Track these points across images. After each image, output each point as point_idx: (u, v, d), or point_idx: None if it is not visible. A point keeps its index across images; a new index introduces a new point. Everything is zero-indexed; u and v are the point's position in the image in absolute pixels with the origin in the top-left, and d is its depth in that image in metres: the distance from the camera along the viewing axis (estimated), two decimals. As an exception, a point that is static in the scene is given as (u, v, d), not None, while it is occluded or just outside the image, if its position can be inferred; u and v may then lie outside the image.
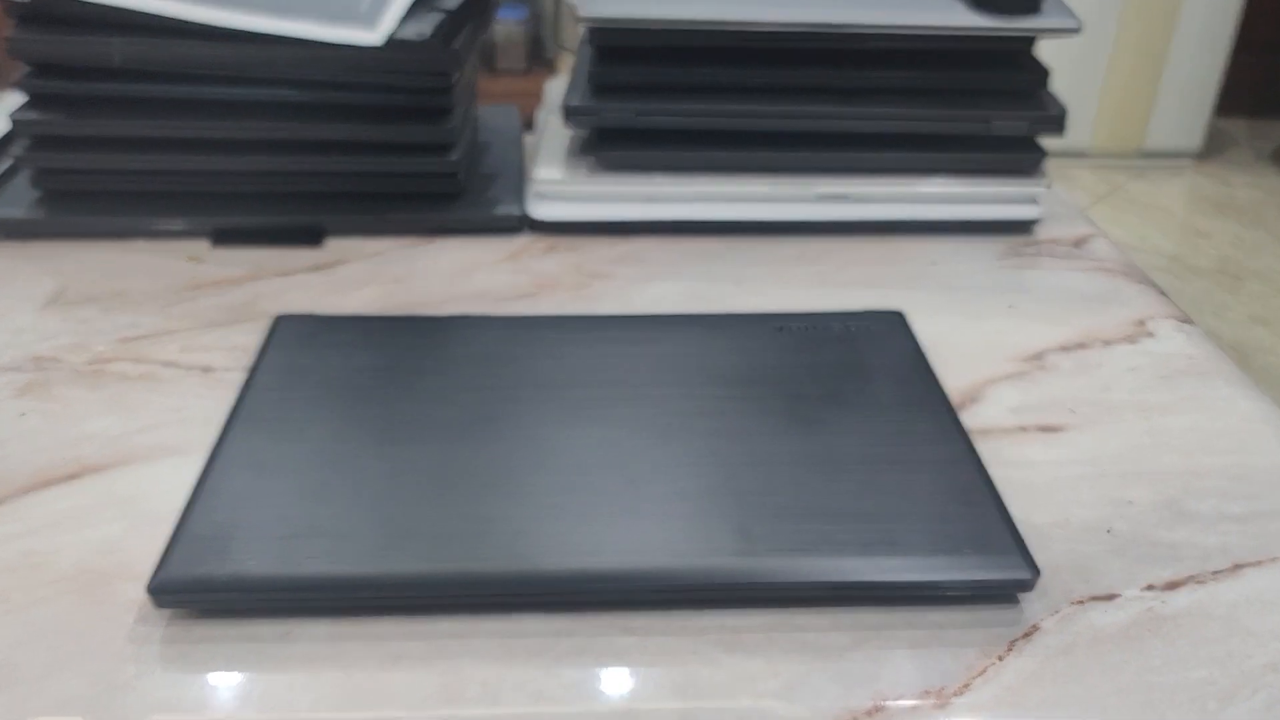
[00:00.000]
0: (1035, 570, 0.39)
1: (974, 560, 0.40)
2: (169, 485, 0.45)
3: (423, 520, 0.41)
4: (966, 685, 0.37)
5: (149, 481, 0.45)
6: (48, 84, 0.62)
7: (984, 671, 0.37)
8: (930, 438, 0.46)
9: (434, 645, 0.38)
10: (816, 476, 0.44)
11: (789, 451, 0.45)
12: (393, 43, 0.58)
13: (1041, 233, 0.69)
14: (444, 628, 0.39)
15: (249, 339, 0.55)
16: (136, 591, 0.39)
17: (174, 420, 0.49)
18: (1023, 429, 0.50)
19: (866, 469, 0.44)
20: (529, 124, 0.79)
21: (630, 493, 0.43)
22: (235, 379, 0.52)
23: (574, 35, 2.17)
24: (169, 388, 0.51)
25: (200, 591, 0.38)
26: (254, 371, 0.49)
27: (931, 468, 0.44)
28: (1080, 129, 2.35)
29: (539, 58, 2.35)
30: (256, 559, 0.39)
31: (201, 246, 0.64)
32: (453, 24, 0.62)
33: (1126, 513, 0.45)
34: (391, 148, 0.64)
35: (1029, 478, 0.47)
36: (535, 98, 0.82)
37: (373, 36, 0.57)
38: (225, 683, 0.36)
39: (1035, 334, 0.58)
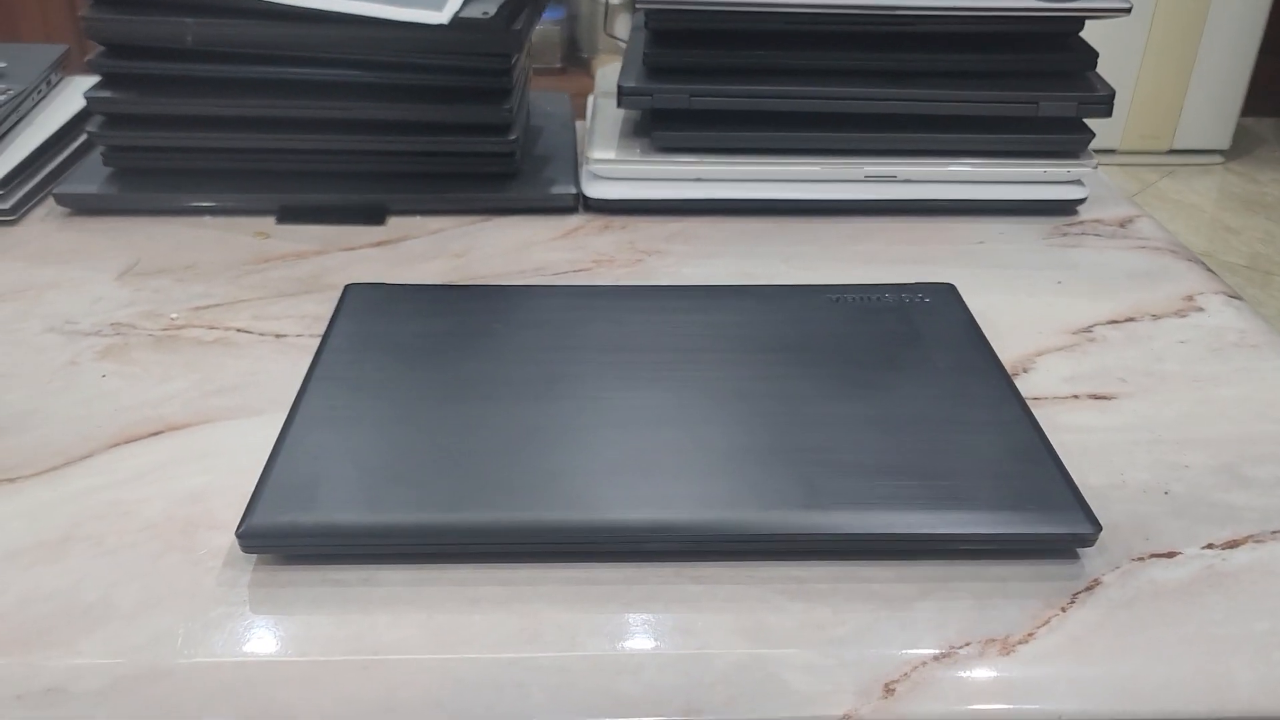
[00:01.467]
0: (1097, 525, 0.40)
1: (1036, 515, 0.41)
2: (248, 442, 0.46)
3: (497, 472, 0.42)
4: (1031, 634, 0.38)
5: (229, 438, 0.47)
6: (121, 64, 0.64)
7: (1048, 622, 0.38)
8: (987, 401, 0.47)
9: (511, 590, 0.39)
10: (877, 436, 0.45)
11: (849, 413, 0.46)
12: (458, 22, 0.59)
13: (1086, 214, 0.70)
14: (520, 574, 0.40)
15: (318, 309, 0.57)
16: (223, 538, 0.41)
17: (249, 383, 0.51)
18: (1075, 397, 0.51)
19: (926, 430, 0.45)
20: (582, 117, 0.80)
21: (696, 449, 0.44)
22: (307, 344, 0.53)
23: (608, 39, 2.18)
24: (243, 352, 0.53)
25: (286, 537, 0.40)
26: (328, 335, 0.51)
27: (990, 429, 0.45)
28: (1111, 128, 2.35)
29: (574, 58, 2.37)
30: (340, 507, 0.40)
31: (268, 223, 0.66)
32: (514, 5, 0.63)
33: (1183, 476, 0.46)
34: (452, 128, 0.66)
35: (1084, 442, 0.48)
36: (572, 97, 0.83)
37: (439, 16, 0.59)
38: (310, 624, 0.38)
39: (1084, 308, 0.59)
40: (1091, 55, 0.68)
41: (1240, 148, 2.50)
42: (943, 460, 0.43)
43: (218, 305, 0.57)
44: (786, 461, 0.43)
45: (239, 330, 0.55)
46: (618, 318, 0.53)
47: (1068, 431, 0.48)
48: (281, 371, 0.51)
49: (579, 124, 0.79)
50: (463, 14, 0.59)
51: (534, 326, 0.52)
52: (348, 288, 0.55)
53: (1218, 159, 2.44)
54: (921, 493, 0.42)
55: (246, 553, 0.40)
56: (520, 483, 0.42)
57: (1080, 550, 0.41)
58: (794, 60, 0.67)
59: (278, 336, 0.54)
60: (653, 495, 0.42)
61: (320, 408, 0.46)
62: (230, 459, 0.45)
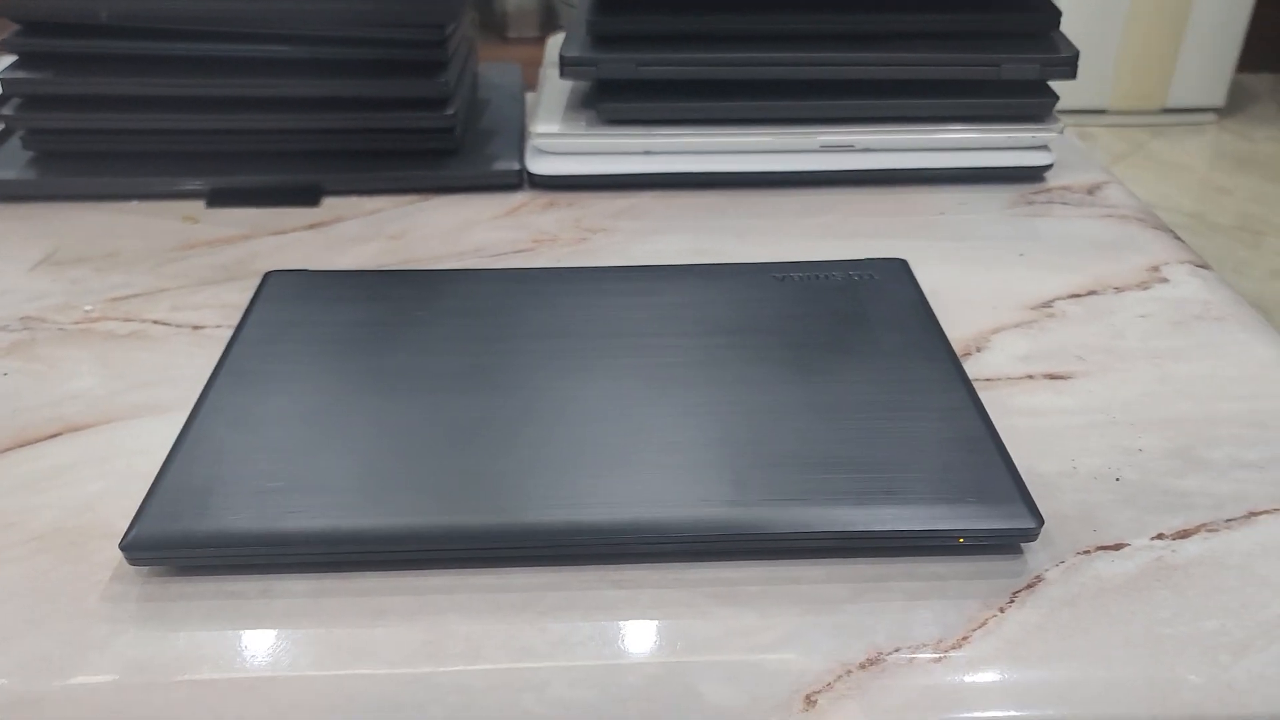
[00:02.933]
0: (1039, 519, 0.38)
1: (975, 509, 0.38)
2: (152, 443, 0.44)
3: (408, 473, 0.40)
4: (965, 638, 0.36)
5: (132, 440, 0.44)
6: (36, 42, 0.61)
7: (984, 624, 0.36)
8: (931, 386, 0.45)
9: (419, 600, 0.37)
10: (814, 425, 0.42)
11: (787, 400, 0.44)
12: (381, -7, 0.56)
13: (1054, 180, 0.67)
14: (429, 583, 0.38)
15: (242, 297, 0.54)
16: (113, 550, 0.39)
17: (161, 379, 0.48)
18: (1030, 377, 0.49)
19: (866, 417, 0.43)
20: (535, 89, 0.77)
21: (623, 444, 0.41)
22: (226, 336, 0.51)
23: (569, 9, 2.14)
24: (157, 346, 0.50)
25: (176, 547, 0.37)
26: (241, 326, 0.48)
27: (932, 415, 0.43)
28: (1100, 86, 2.30)
29: (552, 26, 2.33)
30: (236, 514, 0.38)
31: (196, 207, 0.63)
32: (445, -26, 0.60)
33: (1136, 461, 0.43)
34: (387, 103, 0.63)
35: (1035, 426, 0.45)
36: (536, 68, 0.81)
37: (361, -14, 0.56)
38: (203, 640, 0.36)
39: (1045, 282, 0.56)
40: (1054, 14, 0.65)
41: (1235, 104, 2.45)
42: (880, 451, 0.41)
43: (136, 296, 0.54)
44: (718, 454, 0.41)
45: (155, 322, 0.52)
46: (552, 302, 0.51)
47: (1020, 415, 0.46)
48: (196, 366, 0.49)
49: (530, 95, 0.76)
50: (386, -16, 0.56)
51: (462, 314, 0.49)
52: (267, 275, 0.52)
53: (1211, 117, 2.40)
54: (856, 486, 0.39)
55: (133, 565, 0.38)
56: (432, 483, 0.40)
57: (1024, 545, 0.39)
58: (745, 25, 0.64)
59: (195, 328, 0.52)
60: (575, 494, 0.39)
61: (224, 406, 0.43)
62: (132, 462, 0.43)
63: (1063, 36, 0.66)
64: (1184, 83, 2.36)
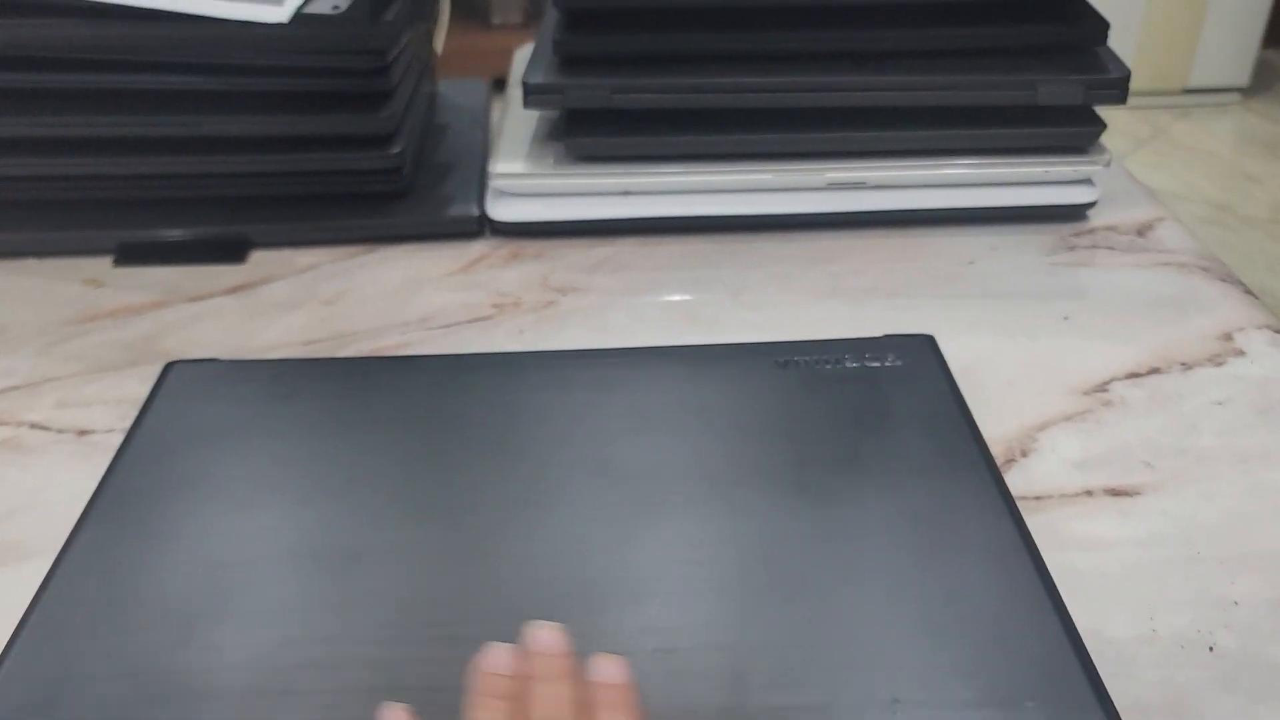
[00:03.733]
0: (1118, 727, 0.29)
1: (1035, 709, 0.30)
2: (7, 603, 0.35)
3: (319, 668, 0.31)
4: None
5: (-18, 599, 0.36)
6: (-91, 77, 0.52)
7: None
8: (971, 517, 0.36)
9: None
10: (828, 583, 0.34)
11: (794, 543, 0.35)
12: (302, 18, 0.47)
13: (1097, 218, 0.58)
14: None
15: (143, 387, 0.45)
16: (-71, 776, 0.30)
17: (32, 505, 0.40)
18: (1089, 493, 0.40)
19: (890, 571, 0.34)
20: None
21: (591, 605, 0.33)
22: (115, 444, 0.42)
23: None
24: (33, 459, 0.42)
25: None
26: (129, 439, 0.40)
27: (975, 564, 0.34)
28: (1120, 66, 2.20)
29: (539, 12, 2.21)
30: (88, 711, 0.30)
31: (103, 266, 0.54)
32: (381, -7, 0.51)
33: (1233, 618, 0.35)
34: (323, 141, 0.54)
35: (1099, 565, 0.37)
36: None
37: (278, 12, 0.47)
38: None
39: (1098, 356, 0.47)
40: (1101, 25, 0.55)
41: (1261, 83, 2.34)
42: (912, 627, 0.32)
43: (16, 388, 0.46)
44: (705, 635, 0.32)
45: (34, 426, 0.44)
46: (503, 400, 0.42)
47: (1079, 549, 0.37)
48: (75, 488, 0.40)
49: (498, 115, 0.67)
50: (309, 9, 0.47)
51: (394, 419, 0.41)
52: (168, 367, 0.44)
53: (1235, 97, 2.29)
54: (883, 688, 0.31)
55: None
56: (352, 683, 0.31)
57: (1098, 757, 0.30)
58: (737, 44, 0.54)
59: (81, 434, 0.43)
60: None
61: (93, 561, 0.35)
62: (-21, 631, 0.34)
63: (1109, 52, 0.56)
64: (1207, 61, 2.25)
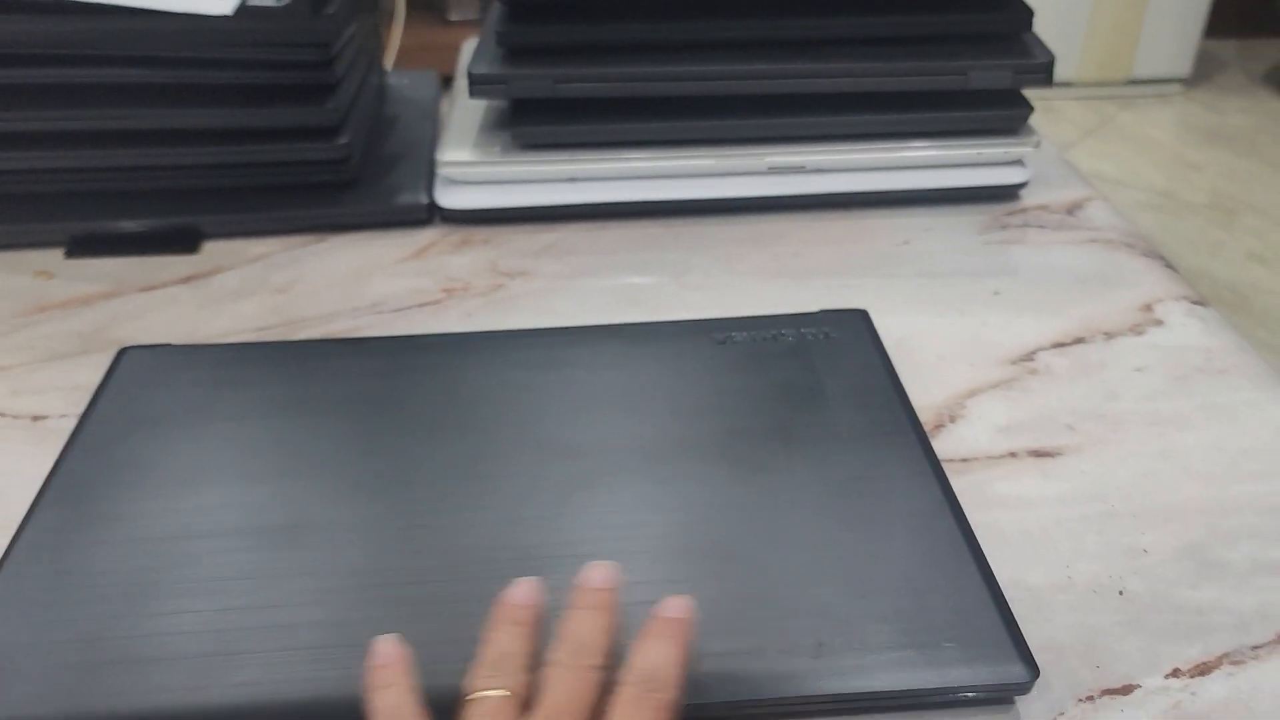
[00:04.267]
0: (1033, 668, 0.31)
1: (959, 659, 0.31)
2: (-38, 583, 0.36)
3: (265, 632, 0.32)
4: (948, 833, 0.29)
5: (-62, 578, 0.36)
6: None
7: (970, 810, 0.29)
8: (899, 482, 0.38)
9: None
10: (761, 545, 0.35)
11: (730, 509, 0.37)
12: (245, 10, 0.48)
13: (1029, 198, 0.60)
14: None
15: (94, 375, 0.46)
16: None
17: (-14, 489, 0.40)
18: (1013, 455, 0.42)
19: (822, 532, 0.36)
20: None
21: (534, 568, 0.34)
22: (69, 429, 0.43)
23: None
24: (-14, 444, 0.43)
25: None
26: (82, 423, 0.41)
27: (901, 525, 0.36)
28: (1067, 59, 2.24)
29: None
30: (36, 698, 0.31)
31: (54, 258, 0.55)
32: (326, -15, 0.52)
33: (1141, 565, 0.37)
34: (270, 134, 0.55)
35: (1021, 521, 0.39)
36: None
37: (221, 5, 0.48)
38: None
39: (1025, 328, 0.49)
40: (1026, 13, 0.57)
41: (1201, 73, 2.39)
42: (841, 584, 0.34)
43: (-32, 377, 0.46)
44: (640, 590, 0.33)
45: (-13, 412, 0.44)
46: (455, 379, 0.43)
47: (1003, 507, 0.39)
48: (29, 472, 0.41)
49: (446, 107, 0.68)
50: (252, 1, 0.48)
51: (345, 400, 0.42)
52: (122, 352, 0.45)
53: (1177, 87, 2.34)
54: (812, 633, 0.32)
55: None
56: (298, 645, 0.32)
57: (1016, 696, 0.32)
58: (678, 34, 0.56)
59: (35, 419, 0.44)
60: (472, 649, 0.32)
61: (46, 539, 0.36)
62: (-67, 610, 0.35)
63: (1036, 39, 0.58)
64: (1150, 53, 2.30)
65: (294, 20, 0.49)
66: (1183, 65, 2.35)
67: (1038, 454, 0.42)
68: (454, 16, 2.01)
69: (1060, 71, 2.28)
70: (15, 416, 0.44)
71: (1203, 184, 1.90)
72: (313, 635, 0.32)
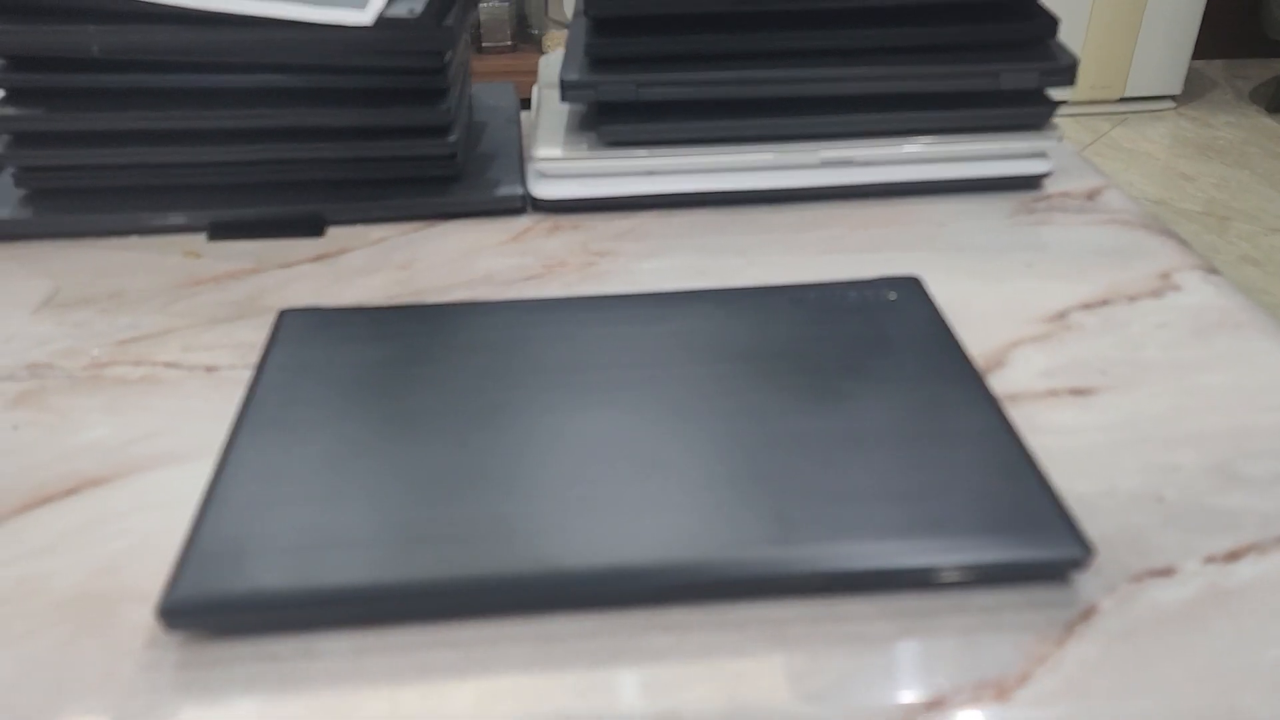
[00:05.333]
0: (1089, 547, 0.38)
1: (1023, 539, 0.38)
2: (175, 495, 0.43)
3: (440, 522, 0.39)
4: (1027, 675, 0.35)
5: (154, 493, 0.43)
6: (25, 77, 0.59)
7: (1045, 660, 0.36)
8: (961, 409, 0.45)
9: (463, 654, 0.36)
10: (846, 455, 0.42)
11: (815, 430, 0.43)
12: (383, 22, 0.55)
13: (1051, 187, 0.67)
14: (471, 635, 0.37)
15: (254, 335, 0.53)
16: (145, 614, 0.37)
17: (178, 425, 0.47)
18: (1053, 393, 0.49)
19: (898, 445, 0.42)
20: (523, 103, 0.77)
21: (655, 481, 0.41)
22: (241, 377, 0.50)
23: (559, 8, 2.12)
24: (172, 390, 0.49)
25: (213, 612, 0.36)
26: (260, 371, 0.47)
27: (966, 441, 0.43)
28: (1064, 78, 2.33)
29: (525, 35, 2.31)
30: (272, 572, 0.37)
31: (198, 241, 0.62)
32: (443, 1, 0.59)
33: (1175, 479, 0.43)
34: (388, 131, 0.62)
35: (1066, 445, 0.45)
36: (523, 75, 0.80)
37: (363, 17, 0.55)
38: (245, 706, 0.35)
39: (1056, 292, 0.56)
40: (1051, 22, 0.65)
41: (1191, 92, 2.48)
42: (917, 480, 0.41)
43: (145, 337, 0.53)
44: (754, 490, 0.40)
45: (167, 365, 0.51)
46: (568, 334, 0.50)
47: (1049, 434, 0.46)
48: (213, 410, 0.48)
49: (525, 114, 0.75)
50: (388, 13, 0.55)
51: (480, 349, 0.49)
52: (282, 314, 0.51)
53: (1169, 104, 2.43)
54: (897, 519, 0.39)
55: (170, 630, 0.36)
56: (468, 531, 0.39)
57: (1073, 573, 0.39)
58: (743, 44, 0.63)
59: (209, 370, 0.51)
60: (613, 536, 0.39)
61: (250, 457, 0.42)
62: (155, 517, 0.42)
63: (1060, 44, 0.66)
64: (1142, 72, 2.39)
65: (423, 30, 0.56)
66: (1174, 84, 2.43)
67: (1076, 391, 0.49)
68: (486, 44, 2.10)
69: (1056, 91, 2.38)
70: (190, 368, 0.51)
71: (1196, 194, 1.98)
72: (484, 527, 0.39)
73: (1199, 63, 2.59)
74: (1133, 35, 2.35)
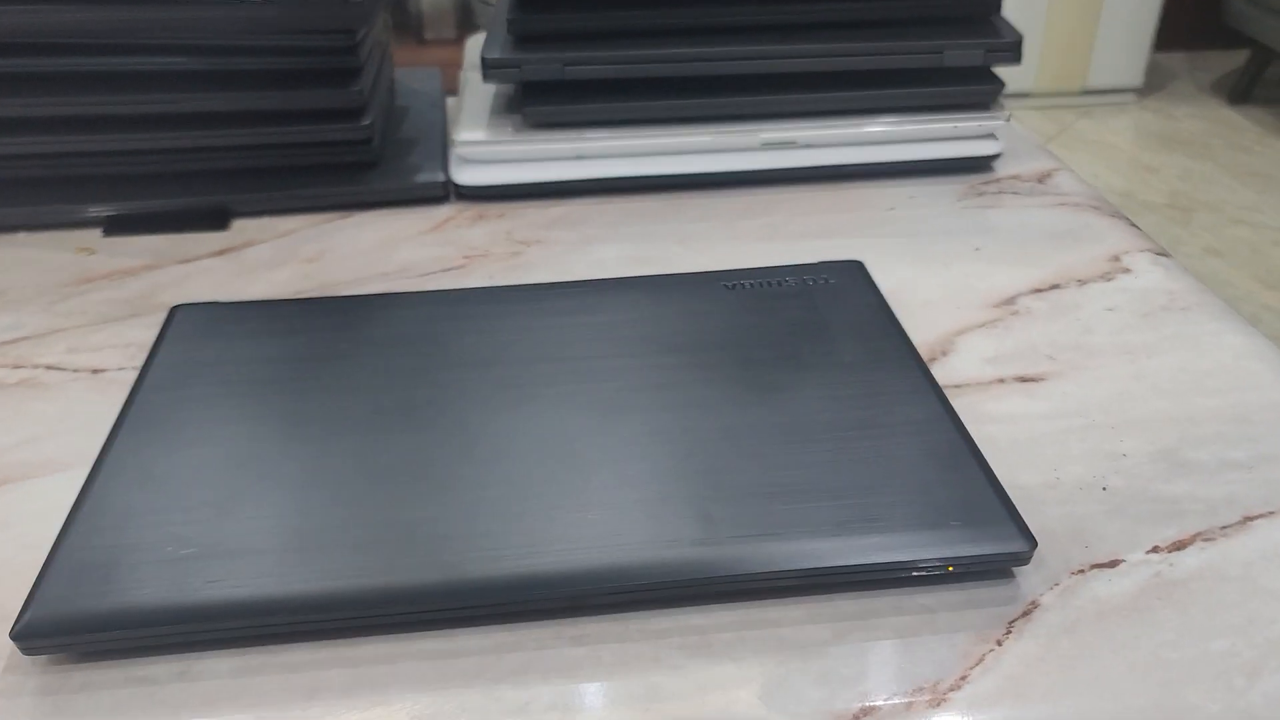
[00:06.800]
0: (1031, 540, 0.35)
1: (962, 533, 0.35)
2: (49, 506, 0.39)
3: (338, 530, 0.36)
4: (964, 677, 0.33)
5: (24, 504, 0.40)
6: (-97, 63, 0.55)
7: (982, 660, 0.33)
8: (901, 398, 0.42)
9: (356, 674, 0.33)
10: (780, 450, 0.39)
11: (747, 423, 0.41)
12: (282, -3, 0.52)
13: (1002, 169, 0.65)
14: (367, 652, 0.34)
15: (147, 334, 0.50)
16: (3, 637, 0.34)
17: (57, 431, 0.43)
18: (1000, 381, 0.46)
19: (834, 438, 0.40)
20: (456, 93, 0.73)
21: (573, 482, 0.38)
22: (129, 380, 0.46)
23: (488, 6, 2.09)
24: (52, 394, 0.46)
25: (76, 631, 0.33)
26: (146, 369, 0.44)
27: (905, 431, 0.40)
28: (1024, 70, 2.32)
29: (470, 26, 2.27)
30: (144, 587, 0.34)
31: (93, 236, 0.58)
32: (352, -25, 0.56)
33: (1121, 466, 0.41)
34: (297, 115, 0.58)
35: (1011, 434, 0.43)
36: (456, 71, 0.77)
37: (262, -10, 0.51)
38: (114, 735, 0.31)
39: (1005, 277, 0.54)
40: (996, -2, 0.62)
41: (1153, 84, 2.48)
42: (853, 474, 0.38)
43: (26, 339, 0.49)
44: (679, 489, 0.37)
45: (49, 367, 0.47)
46: (485, 326, 0.47)
47: (994, 422, 0.43)
48: (98, 414, 0.44)
49: (452, 100, 0.72)
50: (288, -13, 0.52)
51: (389, 344, 0.45)
52: (174, 309, 0.48)
53: (1131, 97, 2.43)
54: (831, 515, 0.36)
55: (28, 655, 0.33)
56: (365, 539, 0.36)
57: (1015, 569, 0.36)
58: (676, 19, 0.60)
59: (95, 372, 0.47)
60: (523, 542, 0.35)
61: (128, 461, 0.39)
62: (23, 530, 0.38)
63: (1004, 21, 0.63)
64: (1103, 64, 2.39)
65: (326, 7, 0.53)
66: (1135, 76, 2.43)
67: (1022, 379, 0.46)
68: (429, 36, 2.06)
69: (1018, 83, 2.37)
70: (76, 370, 0.47)
71: (1159, 185, 1.97)
72: (384, 535, 0.36)
73: (1160, 55, 2.59)
74: (1092, 26, 2.34)
